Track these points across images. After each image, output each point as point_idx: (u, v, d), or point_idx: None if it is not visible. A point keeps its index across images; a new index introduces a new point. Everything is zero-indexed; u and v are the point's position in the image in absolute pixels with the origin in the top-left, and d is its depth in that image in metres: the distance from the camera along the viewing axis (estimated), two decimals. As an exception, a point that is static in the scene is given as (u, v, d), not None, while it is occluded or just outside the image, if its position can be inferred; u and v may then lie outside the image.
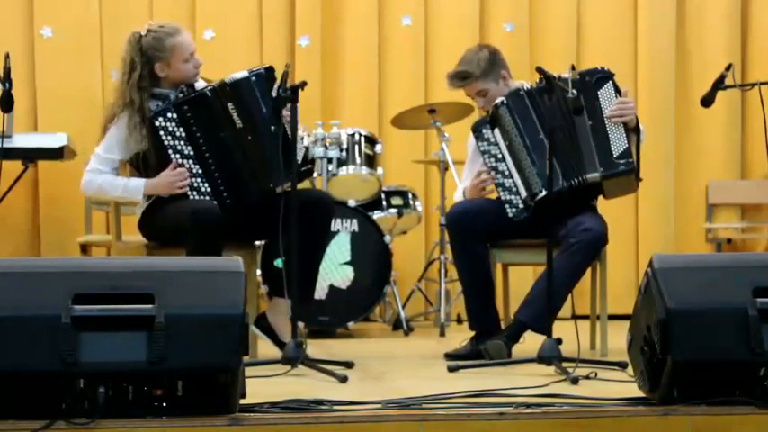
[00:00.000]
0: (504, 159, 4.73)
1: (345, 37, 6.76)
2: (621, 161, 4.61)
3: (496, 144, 4.75)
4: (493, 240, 4.82)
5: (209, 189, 4.53)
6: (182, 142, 4.53)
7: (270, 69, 4.55)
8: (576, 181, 4.63)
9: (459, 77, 4.83)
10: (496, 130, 4.74)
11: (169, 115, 4.51)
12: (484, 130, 4.78)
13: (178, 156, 4.52)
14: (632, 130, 4.64)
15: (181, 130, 4.52)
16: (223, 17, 6.62)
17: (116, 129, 4.57)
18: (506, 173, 4.72)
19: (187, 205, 4.43)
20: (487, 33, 6.79)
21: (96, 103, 6.32)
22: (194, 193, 4.51)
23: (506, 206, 4.71)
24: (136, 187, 4.54)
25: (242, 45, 6.62)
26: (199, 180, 4.53)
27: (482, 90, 4.82)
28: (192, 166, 4.53)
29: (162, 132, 4.50)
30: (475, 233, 4.71)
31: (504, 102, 4.69)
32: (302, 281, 4.42)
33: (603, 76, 4.70)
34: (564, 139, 4.62)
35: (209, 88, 4.57)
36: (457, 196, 4.99)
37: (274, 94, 4.42)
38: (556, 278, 4.24)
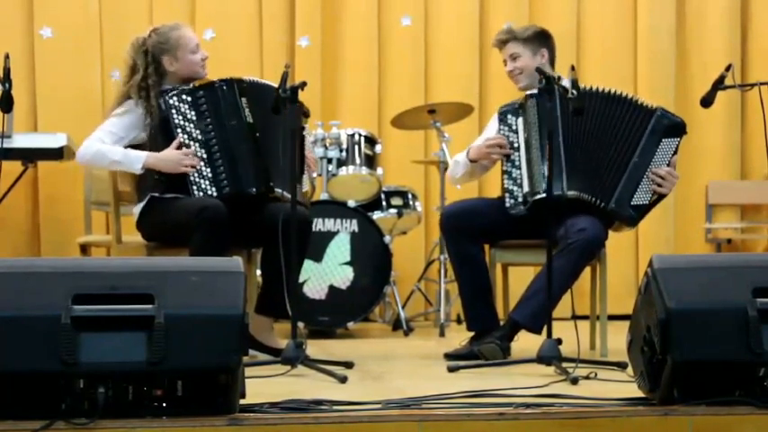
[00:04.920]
0: (518, 149, 4.74)
1: (345, 37, 6.76)
2: (633, 211, 4.69)
3: (516, 133, 4.76)
4: (487, 240, 4.82)
5: (210, 174, 4.53)
6: (191, 125, 4.55)
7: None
8: (589, 198, 4.66)
9: (504, 32, 4.92)
10: (520, 120, 4.76)
11: (184, 96, 4.56)
12: (509, 116, 4.80)
13: (186, 136, 4.53)
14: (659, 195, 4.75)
15: (192, 113, 4.56)
16: (223, 17, 6.62)
17: (120, 113, 4.59)
18: (517, 163, 4.73)
19: (193, 203, 4.42)
20: (487, 33, 6.77)
21: (96, 103, 6.33)
22: (195, 175, 4.51)
23: (506, 195, 4.73)
24: (137, 156, 4.51)
25: (242, 45, 6.62)
26: (201, 163, 4.53)
27: (515, 53, 4.85)
28: (198, 149, 4.54)
29: (174, 111, 4.53)
30: (468, 233, 4.71)
31: (535, 95, 4.69)
32: (278, 295, 4.42)
33: (678, 130, 4.74)
34: (602, 155, 4.67)
35: (226, 78, 4.64)
36: (459, 156, 4.95)
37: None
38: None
